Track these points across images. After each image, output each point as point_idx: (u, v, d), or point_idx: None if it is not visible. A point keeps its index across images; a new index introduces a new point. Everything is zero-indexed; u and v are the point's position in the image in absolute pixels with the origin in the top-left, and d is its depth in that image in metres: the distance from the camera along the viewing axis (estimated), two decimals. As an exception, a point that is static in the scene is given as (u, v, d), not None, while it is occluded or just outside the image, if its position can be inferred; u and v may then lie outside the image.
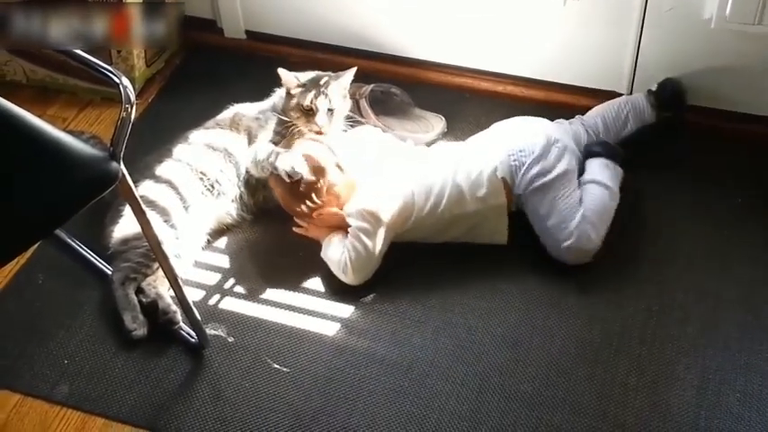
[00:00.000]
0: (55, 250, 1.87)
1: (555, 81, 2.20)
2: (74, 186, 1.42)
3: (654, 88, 2.04)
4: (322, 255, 1.82)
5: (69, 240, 1.88)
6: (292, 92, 1.92)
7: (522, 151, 1.82)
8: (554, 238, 1.79)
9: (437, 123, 2.12)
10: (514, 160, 1.82)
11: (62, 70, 2.24)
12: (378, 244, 1.77)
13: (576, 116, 2.04)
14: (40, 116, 1.51)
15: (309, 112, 1.89)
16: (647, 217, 1.91)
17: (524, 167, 1.81)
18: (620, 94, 2.14)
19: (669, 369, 1.64)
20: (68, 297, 1.80)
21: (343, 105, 1.95)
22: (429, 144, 2.08)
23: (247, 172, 1.91)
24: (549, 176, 1.80)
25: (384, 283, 1.81)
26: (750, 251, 1.84)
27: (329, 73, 1.96)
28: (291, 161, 1.79)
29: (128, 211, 1.73)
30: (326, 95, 1.89)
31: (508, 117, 2.00)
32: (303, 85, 1.91)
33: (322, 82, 1.92)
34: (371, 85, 2.13)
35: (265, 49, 2.36)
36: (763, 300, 1.75)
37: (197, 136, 1.96)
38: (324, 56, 2.29)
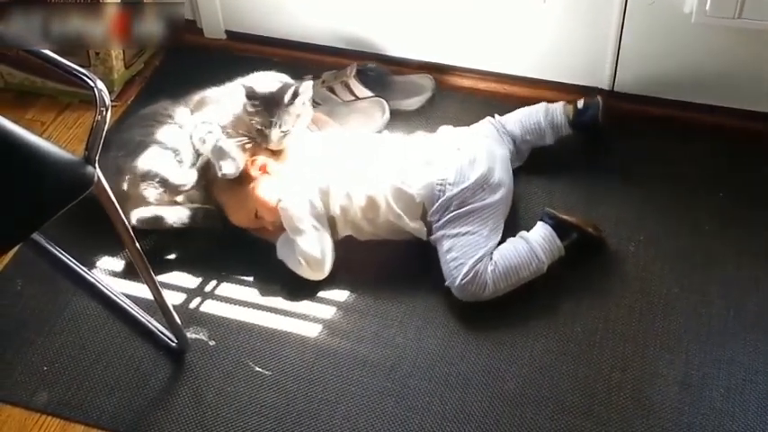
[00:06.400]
0: (33, 255, 1.85)
1: (536, 77, 2.18)
2: (48, 191, 1.41)
3: (579, 103, 1.98)
4: (278, 256, 1.80)
5: (48, 245, 1.86)
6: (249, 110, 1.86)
7: (451, 184, 1.75)
8: (449, 272, 1.72)
9: (426, 83, 2.16)
10: (439, 189, 1.75)
11: (40, 73, 2.22)
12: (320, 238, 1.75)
13: (493, 118, 1.99)
14: (18, 120, 1.50)
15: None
16: (628, 214, 1.91)
17: (444, 198, 1.74)
18: (602, 90, 2.14)
19: (652, 365, 1.64)
20: (47, 303, 1.79)
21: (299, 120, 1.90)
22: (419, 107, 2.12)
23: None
24: (464, 209, 1.73)
25: (366, 283, 1.80)
26: (733, 246, 1.84)
27: (290, 85, 1.88)
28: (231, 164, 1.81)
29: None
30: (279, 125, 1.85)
31: (489, 114, 2.00)
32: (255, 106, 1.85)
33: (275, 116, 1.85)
34: (354, 66, 2.12)
35: (246, 50, 2.35)
36: (745, 295, 1.74)
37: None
38: (304, 55, 2.28)
